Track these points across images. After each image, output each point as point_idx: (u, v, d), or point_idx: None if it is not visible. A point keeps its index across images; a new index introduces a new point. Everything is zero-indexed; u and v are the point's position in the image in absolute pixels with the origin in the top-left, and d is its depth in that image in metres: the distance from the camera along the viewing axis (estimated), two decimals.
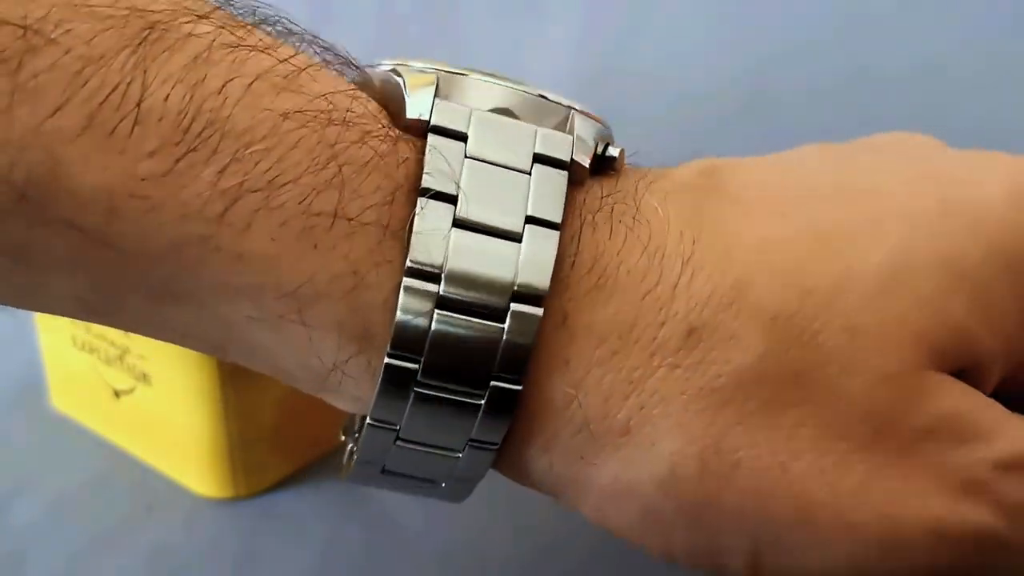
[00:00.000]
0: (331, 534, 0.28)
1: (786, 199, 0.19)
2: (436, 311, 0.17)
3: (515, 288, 0.18)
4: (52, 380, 0.32)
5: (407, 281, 0.17)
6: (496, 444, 0.19)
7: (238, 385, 0.27)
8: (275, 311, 0.17)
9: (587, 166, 0.19)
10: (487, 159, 0.18)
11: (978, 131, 0.32)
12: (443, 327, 0.17)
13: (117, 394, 0.30)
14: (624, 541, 0.27)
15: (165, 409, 0.29)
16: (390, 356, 0.17)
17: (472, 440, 0.18)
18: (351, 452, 0.21)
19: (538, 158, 0.18)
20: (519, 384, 0.18)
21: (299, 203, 0.17)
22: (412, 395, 0.18)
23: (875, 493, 0.18)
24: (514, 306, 0.18)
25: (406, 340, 0.17)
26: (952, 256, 0.18)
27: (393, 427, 0.18)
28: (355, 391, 0.19)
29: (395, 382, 0.18)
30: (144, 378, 0.28)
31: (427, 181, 0.17)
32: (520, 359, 0.18)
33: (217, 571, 0.27)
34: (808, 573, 0.18)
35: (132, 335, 0.25)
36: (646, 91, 0.45)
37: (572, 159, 0.18)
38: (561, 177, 0.18)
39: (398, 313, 0.17)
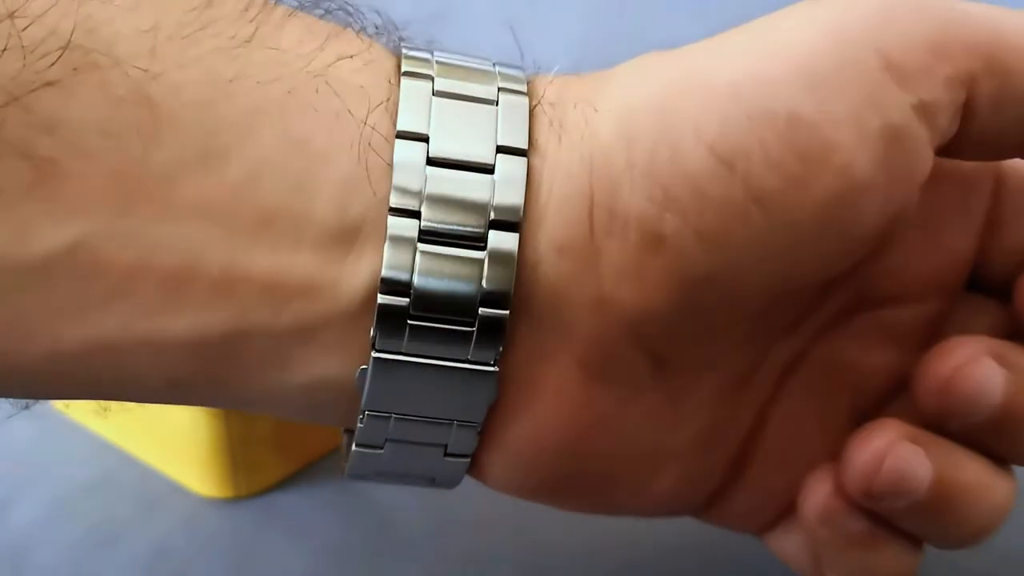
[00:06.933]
0: (331, 534, 0.28)
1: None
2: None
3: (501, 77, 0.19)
4: None
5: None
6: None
7: None
8: (304, 91, 0.18)
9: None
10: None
11: None
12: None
13: None
14: (624, 543, 0.27)
15: (165, 409, 0.29)
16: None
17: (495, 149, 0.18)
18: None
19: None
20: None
21: (318, 20, 0.19)
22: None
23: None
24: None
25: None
26: None
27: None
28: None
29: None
30: None
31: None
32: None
33: (217, 571, 0.27)
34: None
35: None
36: None
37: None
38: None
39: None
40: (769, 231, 0.18)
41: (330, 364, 0.19)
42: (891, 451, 0.20)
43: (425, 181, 0.18)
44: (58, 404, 0.32)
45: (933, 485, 0.20)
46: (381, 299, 0.18)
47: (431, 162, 0.18)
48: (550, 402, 0.19)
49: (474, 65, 0.19)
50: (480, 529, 0.28)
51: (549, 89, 0.19)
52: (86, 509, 0.29)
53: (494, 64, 0.20)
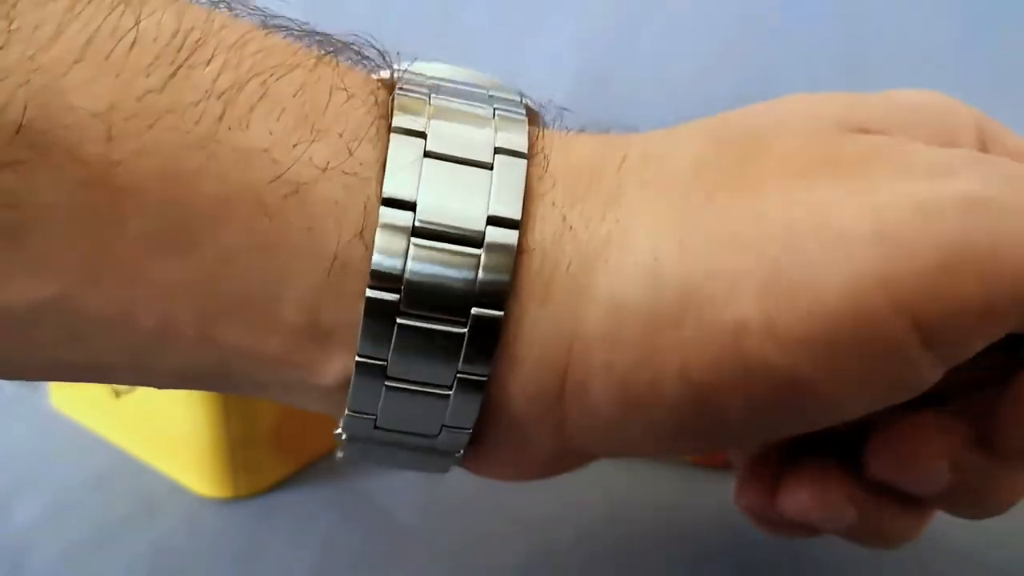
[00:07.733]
0: (331, 534, 0.28)
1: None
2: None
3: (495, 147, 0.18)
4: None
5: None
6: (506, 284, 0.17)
7: None
8: (274, 201, 0.17)
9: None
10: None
11: None
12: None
13: (117, 394, 0.30)
14: (624, 543, 0.27)
15: (165, 409, 0.29)
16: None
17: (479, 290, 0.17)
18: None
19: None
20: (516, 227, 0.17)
21: (293, 96, 0.17)
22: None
23: (846, 197, 0.17)
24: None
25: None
26: None
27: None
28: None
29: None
30: None
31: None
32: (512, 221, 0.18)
33: (217, 571, 0.27)
34: (824, 301, 0.16)
35: None
36: (647, 92, 0.45)
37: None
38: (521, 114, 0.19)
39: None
40: (737, 436, 0.19)
41: (314, 405, 0.20)
42: (821, 501, 0.21)
43: (395, 333, 0.17)
44: (58, 404, 0.32)
45: (857, 524, 0.21)
46: (349, 413, 0.19)
47: (402, 311, 0.17)
48: (516, 468, 0.21)
49: (468, 159, 0.18)
50: (480, 528, 0.28)
51: (548, 226, 0.18)
52: (86, 509, 0.29)
53: (495, 151, 0.18)
